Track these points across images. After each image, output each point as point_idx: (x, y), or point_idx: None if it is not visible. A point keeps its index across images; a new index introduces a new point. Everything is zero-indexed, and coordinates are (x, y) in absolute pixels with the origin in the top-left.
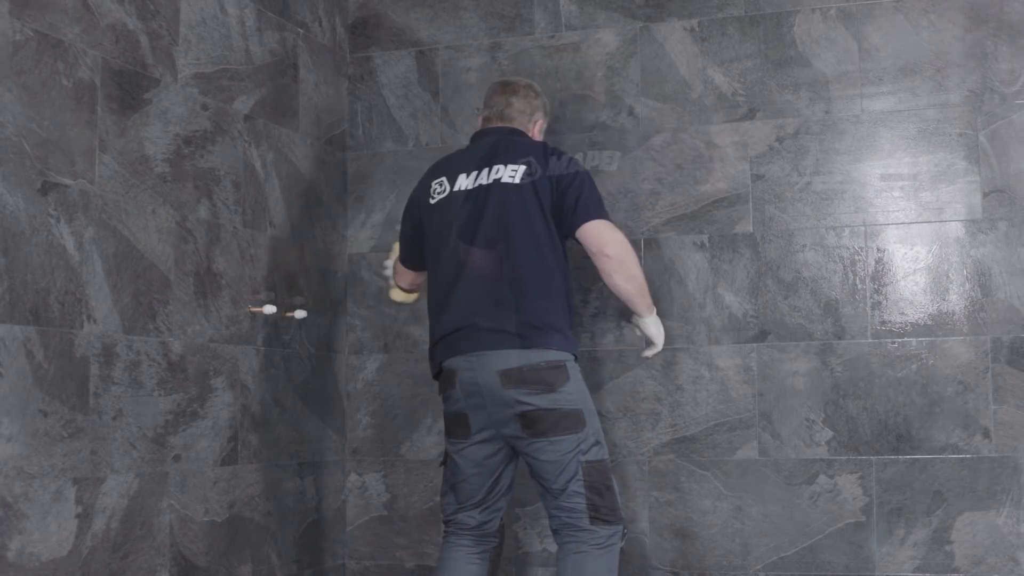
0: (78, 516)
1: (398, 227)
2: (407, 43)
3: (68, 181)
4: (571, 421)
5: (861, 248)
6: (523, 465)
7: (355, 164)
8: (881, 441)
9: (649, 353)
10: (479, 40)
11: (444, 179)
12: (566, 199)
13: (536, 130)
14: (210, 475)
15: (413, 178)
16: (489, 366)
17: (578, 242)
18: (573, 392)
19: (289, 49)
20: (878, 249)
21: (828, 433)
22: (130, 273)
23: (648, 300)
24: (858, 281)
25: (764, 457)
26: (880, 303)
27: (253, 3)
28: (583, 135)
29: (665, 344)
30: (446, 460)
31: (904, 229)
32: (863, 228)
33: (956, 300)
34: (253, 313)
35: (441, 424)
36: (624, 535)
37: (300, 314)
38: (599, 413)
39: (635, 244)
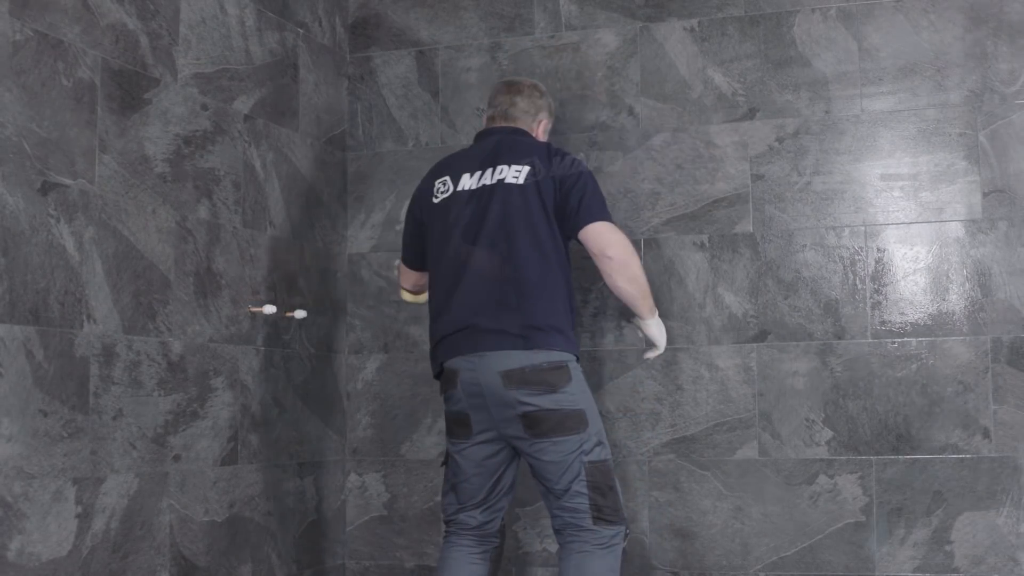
0: (78, 516)
1: (398, 227)
2: (407, 43)
3: (68, 181)
4: (574, 421)
5: (861, 248)
6: (524, 465)
7: (355, 164)
8: (881, 441)
9: (651, 355)
10: (479, 40)
11: (448, 178)
12: (569, 200)
13: (540, 130)
14: (210, 475)
15: (413, 178)
16: (491, 367)
17: (580, 243)
18: (575, 392)
19: (289, 49)
20: (878, 249)
21: (828, 433)
22: (130, 273)
23: (650, 302)
24: (858, 281)
25: (764, 457)
26: (880, 303)
27: (253, 3)
28: (583, 135)
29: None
30: (447, 460)
31: (904, 229)
32: (863, 228)
33: (956, 300)
34: (253, 313)
35: (441, 424)
36: (626, 535)
37: (300, 314)
38: (600, 413)
39: (635, 244)
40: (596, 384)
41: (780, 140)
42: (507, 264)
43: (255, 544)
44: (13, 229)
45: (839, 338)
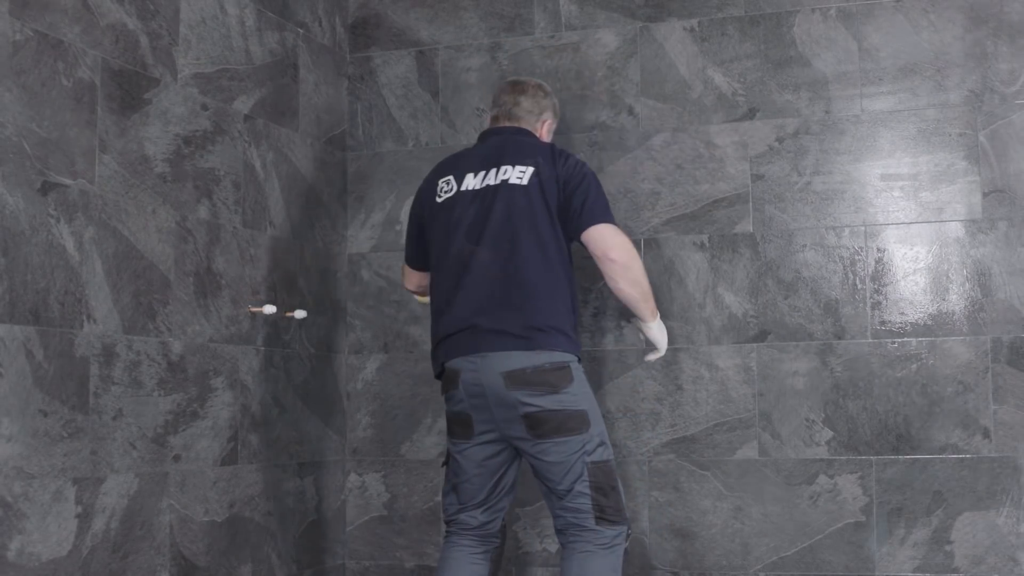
0: (78, 516)
1: (398, 227)
2: (407, 43)
3: (68, 181)
4: (576, 422)
5: (861, 248)
6: (524, 465)
7: (355, 164)
8: (881, 441)
9: (651, 357)
10: (479, 40)
11: (452, 177)
12: (572, 202)
13: (544, 130)
14: (210, 475)
15: (413, 178)
16: (493, 367)
17: (583, 245)
18: (577, 393)
19: (289, 49)
20: (878, 249)
21: (828, 433)
22: (130, 273)
23: (652, 305)
24: (858, 281)
25: (764, 457)
26: (880, 303)
27: (253, 3)
28: (583, 135)
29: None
30: (448, 460)
31: (904, 229)
32: (863, 228)
33: (956, 300)
34: (253, 313)
35: (441, 424)
36: (628, 535)
37: (300, 314)
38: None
39: (635, 244)
40: (596, 384)
41: (780, 140)
42: (510, 264)
43: (255, 544)
44: (13, 229)
45: (839, 338)
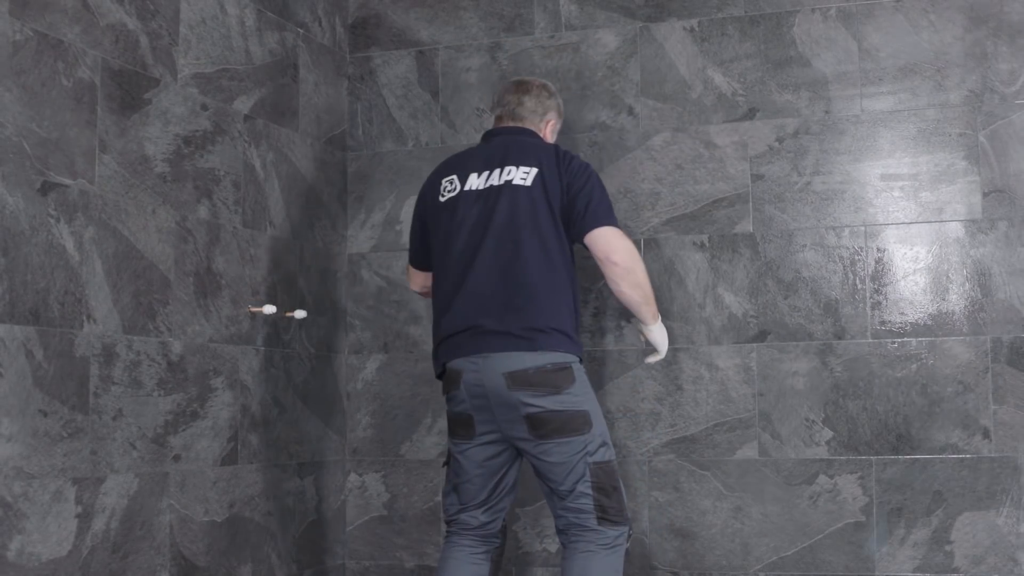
0: (78, 516)
1: (398, 227)
2: (407, 43)
3: (68, 181)
4: (578, 423)
5: (861, 248)
6: (525, 465)
7: (355, 164)
8: (881, 441)
9: (652, 360)
10: (479, 40)
11: (455, 177)
12: (576, 204)
13: (548, 130)
14: (210, 475)
15: (413, 178)
16: (495, 368)
17: (586, 247)
18: (579, 394)
19: (289, 49)
20: (878, 249)
21: (828, 433)
22: (130, 273)
23: (654, 308)
24: (858, 281)
25: (764, 457)
26: (880, 303)
27: (253, 3)
28: (583, 135)
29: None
30: (449, 460)
31: (904, 229)
32: (863, 228)
33: (956, 300)
34: (253, 313)
35: (441, 424)
36: (629, 535)
37: (300, 314)
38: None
39: (635, 244)
40: (596, 384)
41: (780, 140)
42: (513, 265)
43: (255, 544)
44: (13, 229)
45: (839, 338)
